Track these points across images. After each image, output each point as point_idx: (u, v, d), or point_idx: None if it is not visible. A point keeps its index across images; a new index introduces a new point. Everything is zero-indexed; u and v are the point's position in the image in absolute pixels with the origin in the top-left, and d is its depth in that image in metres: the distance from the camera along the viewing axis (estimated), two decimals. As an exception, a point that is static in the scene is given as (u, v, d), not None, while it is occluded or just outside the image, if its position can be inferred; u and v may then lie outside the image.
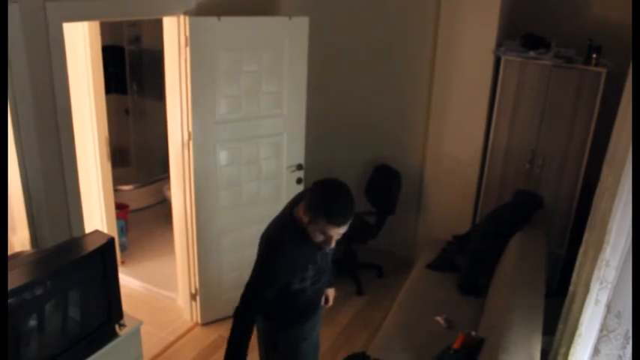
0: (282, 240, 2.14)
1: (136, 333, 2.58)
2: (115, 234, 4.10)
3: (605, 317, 2.36)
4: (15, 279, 1.99)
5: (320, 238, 2.06)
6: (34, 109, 2.43)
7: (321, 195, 2.04)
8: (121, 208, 4.52)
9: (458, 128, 4.09)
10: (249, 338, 2.20)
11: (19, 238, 2.57)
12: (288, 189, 3.71)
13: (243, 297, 2.20)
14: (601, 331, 2.38)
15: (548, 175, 3.85)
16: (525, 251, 3.10)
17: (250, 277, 2.21)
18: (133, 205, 4.93)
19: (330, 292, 2.58)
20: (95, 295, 2.39)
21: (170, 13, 3.13)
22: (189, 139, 3.31)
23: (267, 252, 2.17)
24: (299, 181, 3.78)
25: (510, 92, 3.80)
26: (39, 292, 2.09)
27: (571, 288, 2.86)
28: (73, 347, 2.27)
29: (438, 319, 3.08)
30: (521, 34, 3.83)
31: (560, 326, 2.89)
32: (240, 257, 3.69)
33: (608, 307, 2.34)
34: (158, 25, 3.32)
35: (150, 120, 5.84)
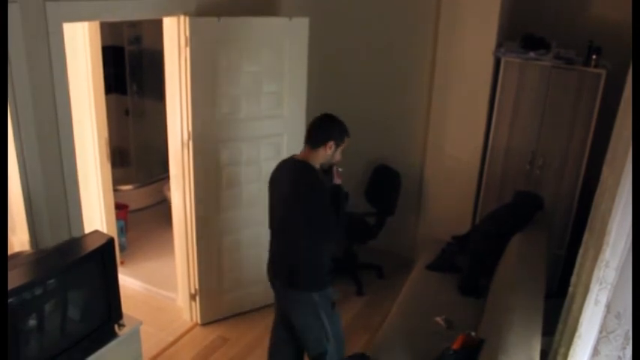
0: (315, 173, 2.56)
1: (136, 333, 2.58)
2: (114, 234, 4.10)
3: (605, 318, 2.35)
4: (15, 279, 1.99)
5: (339, 156, 2.61)
6: (34, 109, 2.43)
7: (334, 124, 2.61)
8: (120, 208, 4.51)
9: (458, 129, 4.09)
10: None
11: (19, 239, 2.57)
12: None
13: (327, 229, 2.51)
14: (601, 331, 2.38)
15: (548, 175, 3.85)
16: (525, 252, 3.10)
17: (316, 220, 2.48)
18: (132, 206, 4.93)
19: None
20: (95, 295, 2.39)
21: (170, 14, 3.13)
22: (189, 139, 3.31)
23: (313, 185, 2.52)
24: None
25: (510, 93, 3.80)
26: (39, 292, 2.10)
27: (571, 288, 2.86)
28: (73, 347, 2.27)
29: (438, 319, 3.08)
30: (521, 34, 3.83)
31: (559, 327, 2.89)
32: (240, 258, 3.70)
33: (608, 308, 2.34)
34: (158, 26, 3.32)
35: (150, 120, 5.84)
